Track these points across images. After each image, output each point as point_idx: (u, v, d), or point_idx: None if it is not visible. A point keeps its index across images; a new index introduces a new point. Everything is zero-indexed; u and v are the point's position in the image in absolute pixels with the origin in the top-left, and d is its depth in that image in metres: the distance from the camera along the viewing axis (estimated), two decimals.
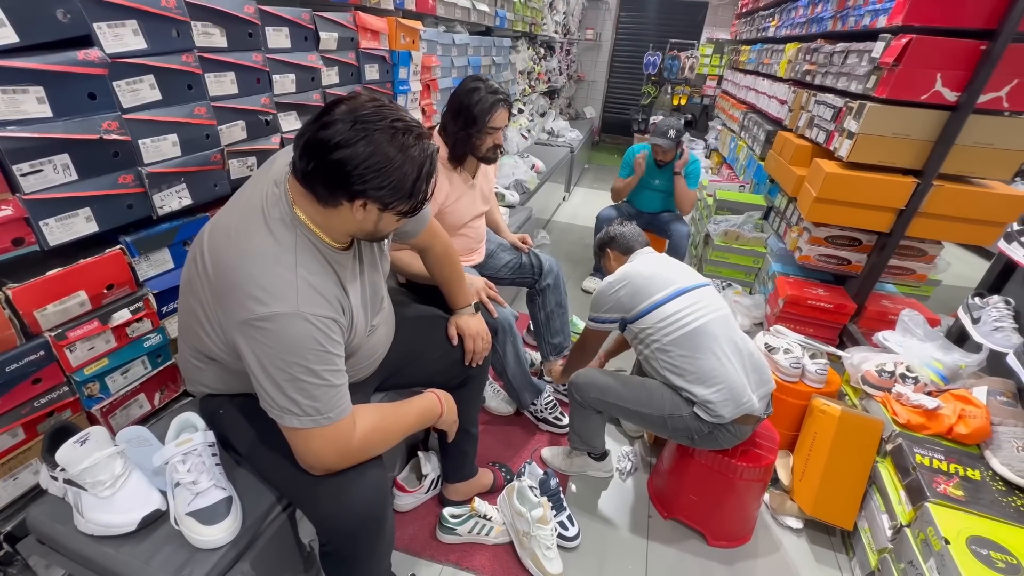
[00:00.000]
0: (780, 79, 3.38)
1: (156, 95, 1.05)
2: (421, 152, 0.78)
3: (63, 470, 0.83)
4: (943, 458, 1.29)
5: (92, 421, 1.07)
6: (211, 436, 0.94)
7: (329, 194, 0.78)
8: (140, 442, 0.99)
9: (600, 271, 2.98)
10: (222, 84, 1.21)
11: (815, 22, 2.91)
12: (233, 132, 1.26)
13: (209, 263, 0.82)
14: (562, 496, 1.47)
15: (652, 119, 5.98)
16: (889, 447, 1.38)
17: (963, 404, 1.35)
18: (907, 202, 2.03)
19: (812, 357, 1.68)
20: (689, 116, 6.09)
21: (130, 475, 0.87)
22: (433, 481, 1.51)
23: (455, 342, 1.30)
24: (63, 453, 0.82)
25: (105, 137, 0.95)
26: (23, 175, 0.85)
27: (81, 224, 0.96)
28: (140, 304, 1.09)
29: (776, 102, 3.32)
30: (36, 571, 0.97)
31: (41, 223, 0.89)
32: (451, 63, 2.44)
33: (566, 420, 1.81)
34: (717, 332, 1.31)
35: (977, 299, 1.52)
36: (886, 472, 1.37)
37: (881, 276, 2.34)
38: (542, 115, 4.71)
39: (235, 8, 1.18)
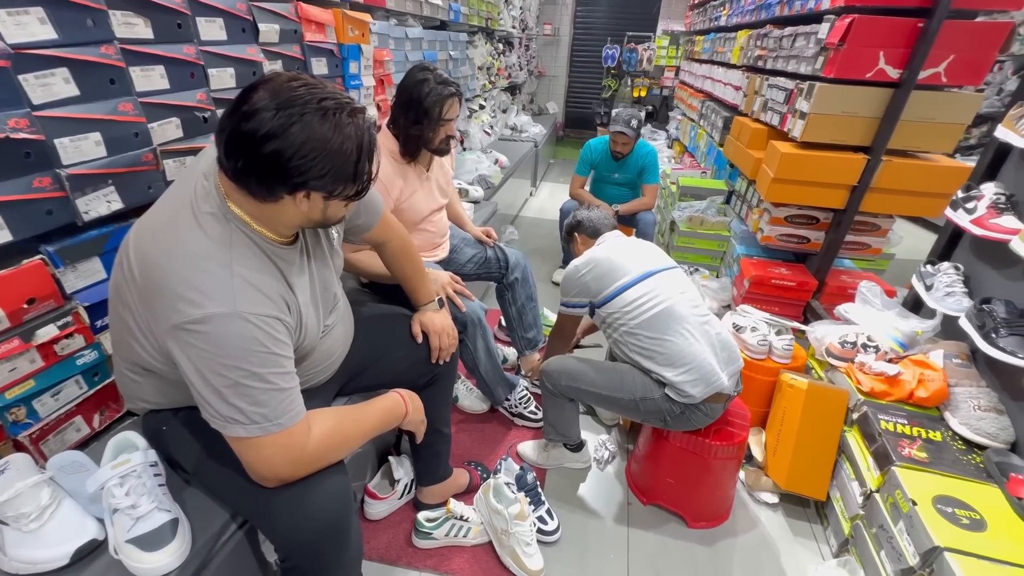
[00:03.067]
0: (734, 66, 3.46)
1: (72, 90, 0.96)
2: (357, 129, 0.73)
3: None
4: (906, 422, 1.32)
5: (20, 449, 0.98)
6: (152, 455, 0.87)
7: (266, 190, 0.72)
8: (75, 468, 0.90)
9: (563, 242, 2.98)
10: (150, 79, 1.13)
11: (763, 8, 2.97)
12: (167, 130, 1.18)
13: (135, 265, 0.75)
14: (540, 490, 1.44)
15: (614, 111, 6.04)
16: (855, 416, 1.41)
17: (922, 369, 1.39)
18: (859, 178, 2.09)
19: (778, 334, 1.70)
20: (650, 108, 6.17)
21: (60, 505, 0.79)
22: (406, 486, 1.46)
23: (420, 340, 1.26)
24: None
25: (12, 135, 0.86)
26: None
27: None
28: (69, 319, 1.00)
29: (731, 89, 3.38)
30: None
31: None
32: (405, 57, 2.38)
33: (540, 414, 1.78)
34: (684, 313, 1.30)
35: (929, 267, 1.57)
36: (854, 440, 1.39)
37: (839, 252, 2.41)
38: (504, 111, 4.68)
39: None
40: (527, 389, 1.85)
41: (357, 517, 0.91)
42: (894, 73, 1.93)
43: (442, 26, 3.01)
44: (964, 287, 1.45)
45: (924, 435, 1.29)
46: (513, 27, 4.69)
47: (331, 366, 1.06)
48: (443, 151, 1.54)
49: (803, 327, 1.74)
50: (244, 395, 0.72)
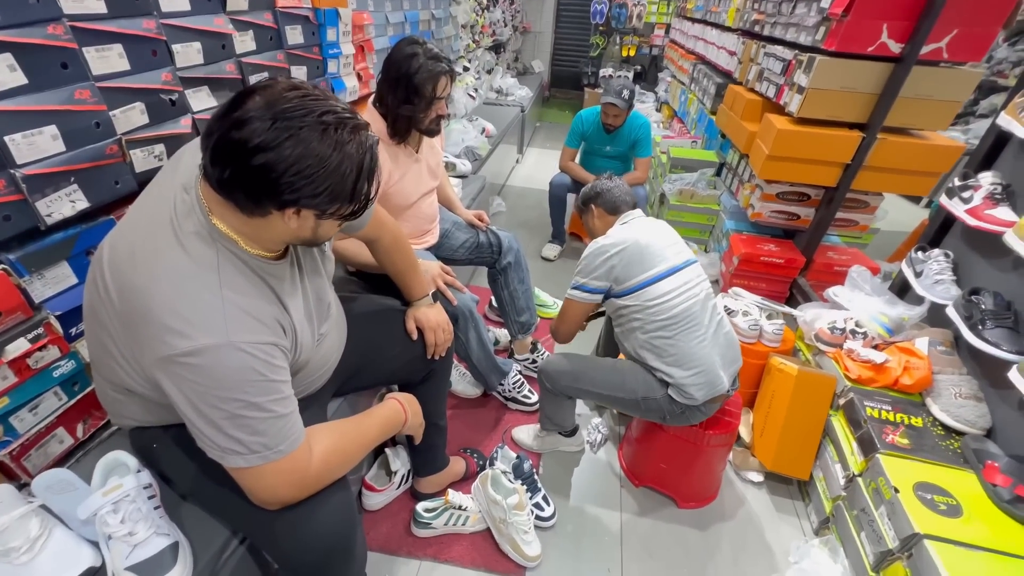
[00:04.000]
0: (729, 29, 3.33)
1: (19, 78, 0.86)
2: (359, 147, 0.67)
3: None
4: (890, 408, 1.37)
5: (2, 468, 0.94)
6: (145, 477, 0.84)
7: (254, 204, 0.66)
8: (62, 487, 0.86)
9: (560, 238, 2.94)
10: (107, 60, 1.01)
11: None
12: (131, 117, 1.07)
13: (113, 289, 0.70)
14: (536, 477, 1.47)
15: (602, 71, 5.83)
16: (842, 401, 1.45)
17: (908, 356, 1.43)
18: (853, 156, 2.07)
19: (769, 318, 1.72)
20: (639, 67, 5.98)
21: (51, 533, 0.77)
22: (403, 476, 1.47)
23: (415, 336, 1.23)
24: None
25: None
26: None
27: None
28: (40, 331, 0.94)
29: (725, 53, 3.27)
30: None
31: None
32: (386, 19, 2.22)
33: (535, 397, 1.80)
34: (700, 314, 1.27)
35: (920, 253, 1.59)
36: (839, 425, 1.44)
37: (828, 229, 2.43)
38: (489, 72, 4.46)
39: None
40: (520, 373, 1.85)
41: (362, 528, 0.91)
42: (896, 47, 1.87)
43: None
44: (953, 275, 1.48)
45: (907, 421, 1.34)
46: None
47: (326, 373, 1.03)
48: (433, 131, 1.46)
49: (794, 312, 1.75)
50: (243, 426, 0.69)
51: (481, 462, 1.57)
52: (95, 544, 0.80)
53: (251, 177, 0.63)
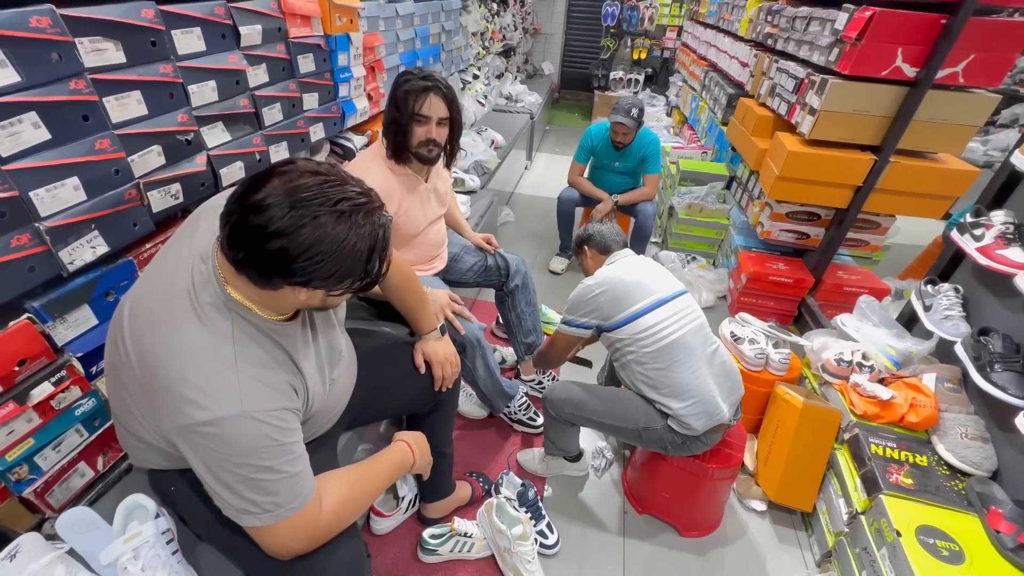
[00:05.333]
0: (742, 39, 3.29)
1: (43, 135, 0.89)
2: (372, 229, 0.69)
3: None
4: (895, 446, 1.37)
5: (26, 504, 0.98)
6: (163, 523, 0.88)
7: (266, 281, 0.69)
8: (84, 526, 0.90)
9: (567, 251, 2.95)
10: (126, 107, 1.04)
11: None
12: (148, 160, 1.10)
13: (133, 355, 0.73)
14: (541, 505, 1.49)
15: (612, 74, 5.79)
16: (847, 436, 1.45)
17: (914, 393, 1.42)
18: (865, 178, 2.06)
19: (775, 346, 1.72)
20: (649, 70, 5.92)
21: None
22: (410, 501, 1.50)
23: (423, 370, 1.25)
24: None
25: None
26: None
27: None
28: (63, 373, 0.97)
29: (737, 64, 3.24)
30: None
31: None
32: (396, 38, 2.23)
33: (540, 420, 1.82)
34: (693, 344, 1.30)
35: (929, 287, 1.58)
36: (843, 459, 1.44)
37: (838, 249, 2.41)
38: (498, 77, 4.46)
39: (130, 15, 1.00)
40: (526, 395, 1.87)
41: (370, 573, 0.94)
42: (911, 72, 1.85)
43: None
44: (963, 311, 1.47)
45: (911, 459, 1.34)
46: None
47: (336, 415, 1.06)
48: (424, 157, 1.45)
49: (801, 341, 1.75)
50: (256, 488, 0.72)
51: (487, 487, 1.60)
52: None
53: (266, 259, 0.65)
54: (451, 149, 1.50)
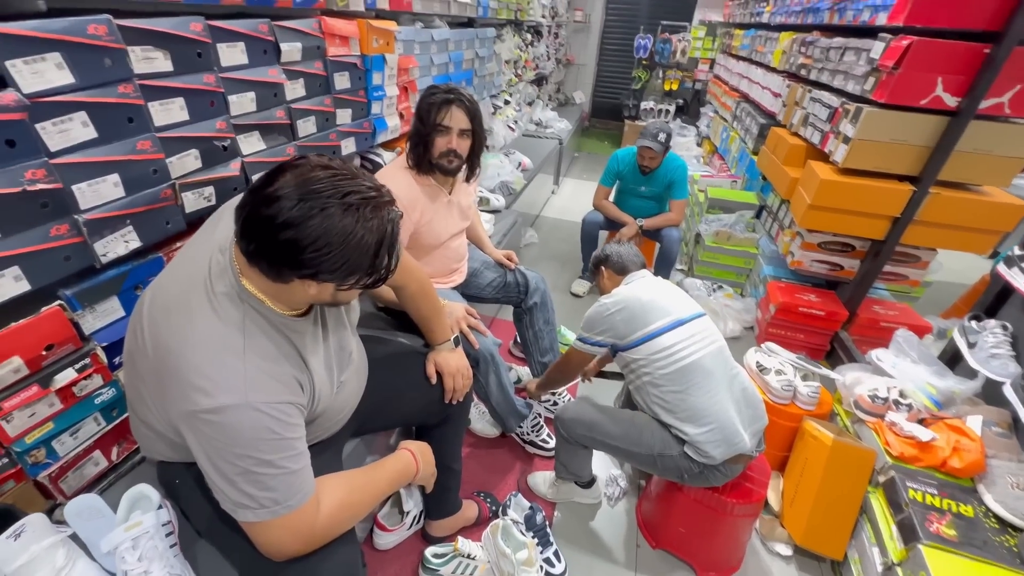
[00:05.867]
0: (774, 70, 3.28)
1: (90, 133, 0.94)
2: (380, 223, 0.70)
3: None
4: (936, 492, 1.26)
5: (40, 488, 1.00)
6: (164, 515, 0.88)
7: (276, 273, 0.70)
8: (92, 514, 0.91)
9: (589, 274, 2.92)
10: (169, 112, 1.10)
11: (811, 12, 2.79)
12: (185, 163, 1.15)
13: (149, 341, 0.74)
14: (549, 531, 1.43)
15: (643, 104, 5.84)
16: (882, 479, 1.35)
17: (958, 435, 1.32)
18: (903, 210, 1.98)
19: (804, 379, 1.64)
20: (680, 101, 5.95)
21: (75, 565, 0.80)
22: (415, 517, 1.46)
23: (434, 380, 1.24)
24: None
25: (29, 188, 0.85)
26: None
27: (9, 285, 0.86)
28: (87, 361, 1.01)
29: (770, 94, 3.22)
30: None
31: None
32: (430, 61, 2.31)
33: (553, 443, 1.76)
34: (711, 368, 1.25)
35: (974, 323, 1.48)
36: (878, 504, 1.34)
37: (874, 282, 2.31)
38: (529, 104, 4.56)
39: (180, 28, 1.07)
40: (540, 416, 1.83)
41: None
42: (952, 101, 1.79)
43: (469, 23, 2.90)
44: (1011, 350, 1.37)
45: (955, 508, 1.23)
46: (543, 16, 4.53)
47: (344, 418, 1.05)
48: (444, 168, 1.47)
49: (832, 374, 1.66)
50: (254, 482, 0.71)
51: (494, 508, 1.55)
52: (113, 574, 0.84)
53: (276, 250, 0.67)
54: (473, 162, 1.52)
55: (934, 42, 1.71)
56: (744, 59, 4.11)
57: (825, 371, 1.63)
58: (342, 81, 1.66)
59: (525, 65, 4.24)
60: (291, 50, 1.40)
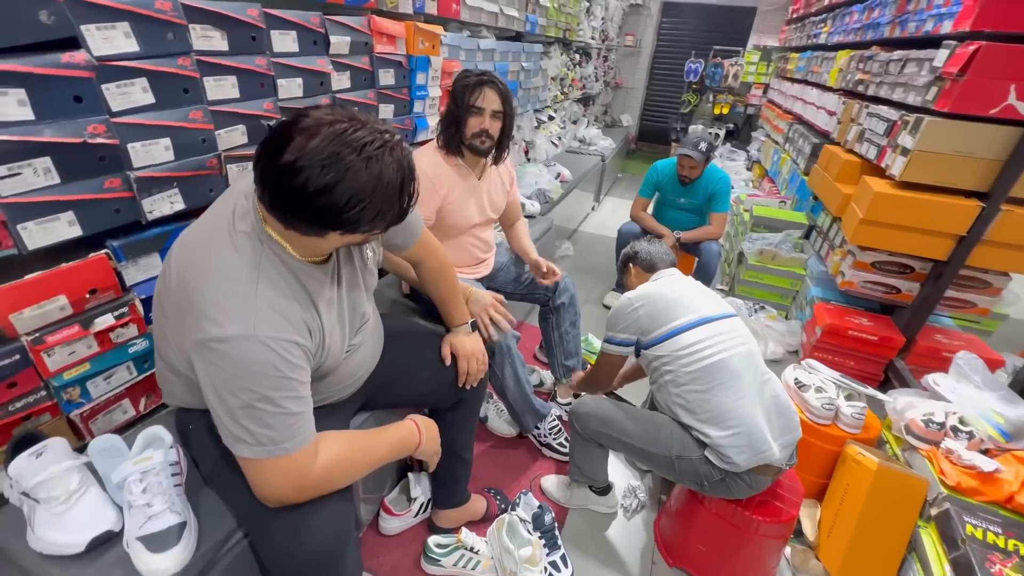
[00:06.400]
0: (830, 89, 3.16)
1: (149, 98, 1.03)
2: (398, 164, 0.73)
3: (16, 482, 0.80)
4: (1000, 531, 1.11)
5: (72, 426, 1.06)
6: (172, 455, 0.90)
7: (317, 232, 0.74)
8: (112, 452, 0.95)
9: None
10: (222, 88, 1.18)
11: (871, 28, 2.69)
12: (233, 136, 1.23)
13: (174, 279, 0.78)
14: (557, 533, 1.36)
15: (692, 127, 5.77)
16: (934, 511, 1.20)
17: None
18: (969, 228, 1.82)
19: (848, 398, 1.50)
20: (731, 126, 5.84)
21: (87, 491, 0.84)
22: (422, 505, 1.44)
23: (448, 362, 1.23)
24: (16, 466, 0.80)
25: (90, 141, 0.93)
26: (1, 178, 0.84)
27: (63, 228, 0.94)
28: (125, 310, 1.07)
29: (824, 113, 3.10)
30: None
31: (19, 227, 0.88)
32: (475, 67, 2.38)
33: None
34: (739, 369, 1.18)
35: None
36: (929, 540, 1.19)
37: (936, 308, 2.12)
38: (574, 122, 4.61)
39: (238, 11, 1.16)
40: (559, 419, 1.77)
41: (356, 549, 0.89)
42: None
43: (517, 37, 2.99)
44: None
45: (1022, 551, 1.07)
46: (592, 38, 4.61)
47: (355, 383, 1.06)
48: (477, 148, 1.50)
49: (881, 395, 1.52)
50: (254, 417, 0.73)
51: (503, 505, 1.50)
52: (121, 509, 0.87)
53: (315, 217, 0.71)
54: (503, 143, 1.55)
55: (1006, 47, 1.60)
56: (799, 81, 4.00)
57: (872, 391, 1.49)
58: (387, 77, 1.74)
59: (572, 84, 4.31)
60: (340, 43, 1.49)
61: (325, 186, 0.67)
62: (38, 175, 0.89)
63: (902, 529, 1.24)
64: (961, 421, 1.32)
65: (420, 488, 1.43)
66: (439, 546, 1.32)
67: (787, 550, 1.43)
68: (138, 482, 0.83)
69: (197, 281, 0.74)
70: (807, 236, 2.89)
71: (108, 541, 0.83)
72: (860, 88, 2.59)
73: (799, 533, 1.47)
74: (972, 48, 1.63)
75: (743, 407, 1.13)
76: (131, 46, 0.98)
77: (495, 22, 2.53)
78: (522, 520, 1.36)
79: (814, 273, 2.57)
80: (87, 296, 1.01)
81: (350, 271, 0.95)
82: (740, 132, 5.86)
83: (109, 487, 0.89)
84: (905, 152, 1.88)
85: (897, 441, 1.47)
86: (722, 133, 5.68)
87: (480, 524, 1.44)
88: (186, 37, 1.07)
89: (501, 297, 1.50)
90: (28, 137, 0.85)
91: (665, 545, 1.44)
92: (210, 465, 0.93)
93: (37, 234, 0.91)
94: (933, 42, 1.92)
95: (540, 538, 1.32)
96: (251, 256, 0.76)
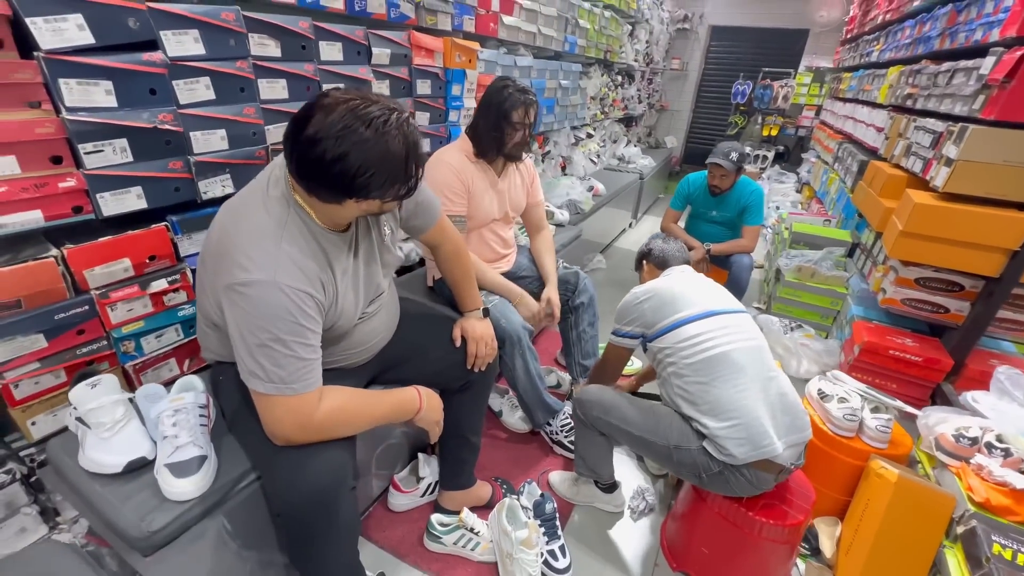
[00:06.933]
0: (880, 106, 3.06)
1: (210, 95, 1.20)
2: (403, 136, 0.82)
3: (75, 408, 0.93)
4: None
5: (126, 377, 1.21)
6: (202, 399, 1.02)
7: (336, 199, 0.85)
8: (155, 398, 1.08)
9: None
10: (274, 89, 1.35)
11: (921, 42, 2.61)
12: (280, 132, 1.39)
13: (216, 232, 0.91)
14: (557, 523, 1.37)
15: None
16: (960, 529, 1.12)
17: None
18: (1022, 243, 1.70)
19: (874, 411, 1.43)
20: (781, 148, 5.69)
21: (129, 423, 0.96)
22: (430, 485, 1.49)
23: (458, 343, 1.29)
24: (75, 392, 0.93)
25: (159, 127, 1.10)
26: (87, 153, 1.01)
27: (132, 200, 1.10)
28: (177, 277, 1.22)
29: (873, 130, 3.00)
30: (54, 500, 1.10)
31: (98, 196, 1.05)
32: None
33: None
34: (743, 362, 1.17)
35: None
36: (954, 561, 1.11)
37: (992, 331, 1.97)
38: (614, 141, 4.66)
39: (291, 23, 1.33)
40: (571, 417, 1.78)
41: (352, 496, 0.96)
42: None
43: (556, 56, 3.12)
44: None
45: None
46: (635, 60, 4.69)
47: (369, 351, 1.15)
48: (514, 156, 1.62)
49: (913, 410, 1.43)
50: (268, 356, 0.82)
51: (509, 494, 1.52)
52: (155, 444, 0.98)
53: (332, 183, 0.81)
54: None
55: None
56: (851, 100, 3.88)
57: (900, 404, 1.41)
58: (424, 87, 1.89)
59: (613, 104, 4.39)
60: (381, 54, 1.64)
61: (340, 155, 0.78)
62: (116, 153, 1.05)
63: (925, 548, 1.16)
64: (998, 438, 1.23)
65: (429, 469, 1.49)
66: (442, 524, 1.36)
67: (802, 566, 1.36)
68: (170, 416, 0.95)
69: (233, 234, 0.86)
70: (850, 254, 2.76)
71: (142, 467, 0.94)
72: (909, 102, 2.50)
73: (817, 551, 1.39)
74: (1020, 53, 1.56)
75: (744, 400, 1.12)
76: (199, 49, 1.15)
77: (533, 41, 2.66)
78: (523, 507, 1.38)
79: (856, 292, 2.46)
80: (147, 261, 1.17)
81: (367, 244, 1.05)
82: (791, 154, 5.69)
83: (148, 424, 1.01)
84: (949, 163, 1.80)
85: (930, 460, 1.38)
86: (770, 155, 5.55)
87: (484, 510, 1.47)
88: (245, 44, 1.24)
89: (557, 308, 1.59)
90: (111, 120, 1.02)
91: (669, 547, 1.40)
92: (231, 410, 1.03)
93: (112, 203, 1.07)
94: (982, 51, 1.85)
95: (540, 526, 1.34)
96: (279, 217, 0.88)
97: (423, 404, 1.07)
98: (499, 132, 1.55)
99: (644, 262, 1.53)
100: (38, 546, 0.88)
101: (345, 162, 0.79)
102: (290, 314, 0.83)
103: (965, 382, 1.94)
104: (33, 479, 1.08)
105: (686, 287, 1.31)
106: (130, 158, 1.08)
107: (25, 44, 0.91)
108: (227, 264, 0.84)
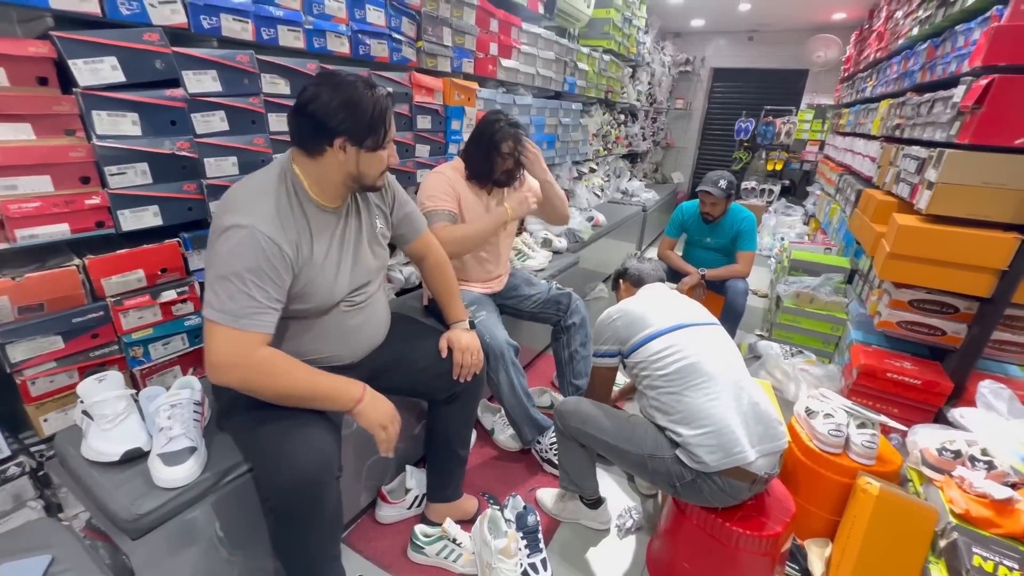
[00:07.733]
0: (873, 137, 3.13)
1: (224, 126, 1.34)
2: (374, 95, 1.00)
3: (82, 401, 1.02)
4: (1016, 566, 0.99)
5: (133, 380, 1.30)
6: (198, 396, 1.10)
7: (314, 143, 0.99)
8: (155, 396, 1.15)
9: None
10: (281, 122, 1.49)
11: (906, 76, 2.71)
12: None
13: (222, 199, 1.05)
14: (540, 536, 1.37)
15: (745, 184, 5.77)
16: (943, 543, 1.10)
17: None
18: (1010, 262, 1.71)
19: (860, 427, 1.42)
20: (787, 182, 5.77)
21: (129, 417, 1.04)
22: (417, 498, 1.51)
23: (444, 354, 1.35)
24: (83, 386, 1.02)
25: (177, 153, 1.23)
26: (112, 175, 1.14)
27: (149, 217, 1.23)
28: (186, 289, 1.33)
29: (868, 160, 3.06)
30: (59, 496, 1.16)
31: (119, 212, 1.17)
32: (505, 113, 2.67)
33: None
34: (713, 372, 1.20)
35: None
36: (939, 574, 1.08)
37: (997, 354, 1.94)
38: (618, 176, 4.80)
39: (299, 65, 1.49)
40: (554, 430, 1.79)
41: (337, 486, 1.00)
42: None
43: (556, 96, 3.30)
44: None
45: None
46: (638, 100, 4.89)
47: (352, 349, 1.21)
48: (503, 182, 1.73)
49: (898, 425, 1.42)
50: (224, 288, 0.93)
51: (495, 508, 1.53)
52: (152, 438, 1.05)
53: (308, 125, 0.98)
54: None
55: (1021, 78, 1.59)
56: (849, 134, 3.97)
57: (885, 419, 1.40)
58: (424, 122, 2.04)
59: (616, 140, 4.55)
60: None
61: (315, 95, 0.97)
62: (137, 175, 1.19)
63: (910, 563, 1.14)
64: (983, 452, 1.21)
65: (415, 481, 1.52)
66: (425, 535, 1.38)
67: None
68: (166, 410, 1.02)
69: (234, 192, 1.01)
70: (850, 281, 2.77)
71: (138, 458, 1.01)
72: (897, 132, 2.57)
73: (807, 573, 1.36)
74: (986, 81, 1.63)
75: (715, 408, 1.14)
76: (216, 86, 1.30)
77: (532, 82, 2.84)
78: (506, 519, 1.39)
79: (855, 317, 2.45)
80: (159, 273, 1.28)
81: (357, 230, 1.16)
82: (797, 188, 5.76)
83: (147, 420, 1.09)
84: (931, 186, 1.84)
85: (920, 478, 1.35)
86: (776, 189, 5.62)
87: (470, 524, 1.48)
88: (257, 82, 1.39)
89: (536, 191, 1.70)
90: (135, 147, 1.16)
91: (654, 566, 1.39)
92: (225, 405, 1.10)
93: (131, 219, 1.19)
94: (956, 82, 1.92)
95: (522, 538, 1.34)
96: (275, 178, 1.03)
97: (364, 398, 1.04)
98: (489, 161, 1.66)
99: (621, 281, 1.59)
100: (36, 523, 0.94)
101: (317, 103, 0.96)
102: (255, 254, 0.94)
103: (967, 405, 1.90)
104: (41, 473, 1.16)
105: (656, 303, 1.36)
106: (149, 180, 1.21)
107: (66, 81, 1.06)
108: (220, 212, 0.98)
